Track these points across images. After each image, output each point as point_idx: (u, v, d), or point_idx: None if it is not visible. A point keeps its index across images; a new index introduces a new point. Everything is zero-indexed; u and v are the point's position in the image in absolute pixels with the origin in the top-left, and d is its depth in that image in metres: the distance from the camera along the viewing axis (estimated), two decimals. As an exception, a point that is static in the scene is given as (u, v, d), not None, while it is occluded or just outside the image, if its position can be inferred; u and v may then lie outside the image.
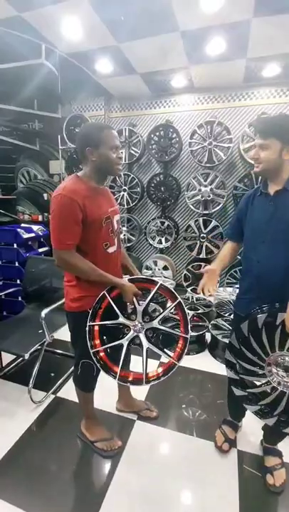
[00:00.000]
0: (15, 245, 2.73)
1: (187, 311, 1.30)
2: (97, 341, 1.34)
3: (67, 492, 1.41)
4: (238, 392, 1.31)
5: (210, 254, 3.48)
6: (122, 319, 1.33)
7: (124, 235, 3.97)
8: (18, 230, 2.78)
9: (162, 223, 3.75)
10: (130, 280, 1.34)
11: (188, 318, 1.31)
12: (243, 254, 1.43)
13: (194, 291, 3.55)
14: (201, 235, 3.46)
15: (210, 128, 3.24)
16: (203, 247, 3.47)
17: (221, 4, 1.99)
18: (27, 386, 1.89)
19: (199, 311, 2.94)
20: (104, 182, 1.40)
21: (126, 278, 1.36)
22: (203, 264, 3.52)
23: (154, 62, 2.91)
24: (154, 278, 1.35)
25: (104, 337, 1.42)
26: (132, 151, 3.68)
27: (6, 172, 4.72)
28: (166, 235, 3.78)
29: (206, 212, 3.44)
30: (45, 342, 1.93)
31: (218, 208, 3.37)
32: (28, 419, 1.80)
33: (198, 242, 3.49)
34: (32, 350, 1.83)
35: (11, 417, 1.83)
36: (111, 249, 1.36)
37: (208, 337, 2.70)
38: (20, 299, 2.61)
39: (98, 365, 1.33)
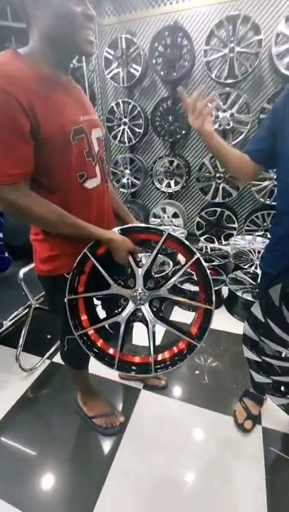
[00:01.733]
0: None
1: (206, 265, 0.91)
2: (84, 317, 1.00)
3: (62, 477, 1.23)
4: (258, 378, 1.01)
5: (227, 197, 2.97)
6: (115, 288, 0.96)
7: (128, 178, 3.45)
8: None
9: (171, 163, 3.18)
10: (122, 231, 0.93)
11: (212, 281, 0.92)
12: (278, 184, 1.01)
13: (209, 240, 3.15)
14: (218, 175, 2.91)
15: (232, 27, 2.47)
16: (220, 190, 2.94)
17: None
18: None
19: (215, 263, 2.58)
20: (69, 66, 0.85)
21: (116, 229, 0.94)
22: (219, 209, 3.05)
23: None
24: (158, 227, 0.93)
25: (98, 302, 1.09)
26: (132, 70, 2.94)
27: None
28: (176, 176, 3.24)
29: (225, 145, 2.83)
30: (31, 305, 1.65)
31: (240, 138, 2.74)
32: (20, 389, 1.60)
33: (213, 183, 2.96)
34: (14, 316, 1.55)
35: (0, 386, 1.63)
36: (91, 183, 0.89)
37: (224, 291, 2.38)
38: (7, 254, 2.29)
39: (85, 347, 1.00)
